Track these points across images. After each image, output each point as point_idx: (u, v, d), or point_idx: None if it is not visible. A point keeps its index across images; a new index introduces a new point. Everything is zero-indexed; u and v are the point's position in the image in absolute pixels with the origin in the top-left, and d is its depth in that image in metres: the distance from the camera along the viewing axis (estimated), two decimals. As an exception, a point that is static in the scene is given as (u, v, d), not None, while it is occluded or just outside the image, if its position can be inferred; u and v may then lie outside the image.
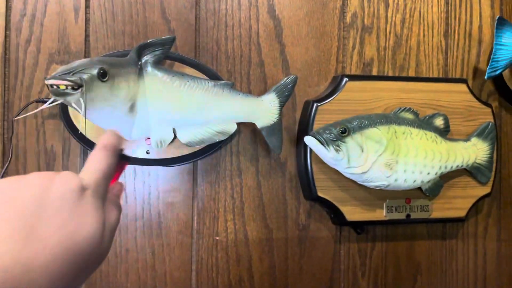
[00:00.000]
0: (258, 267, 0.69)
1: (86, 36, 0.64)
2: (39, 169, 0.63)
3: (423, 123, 0.67)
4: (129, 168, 0.65)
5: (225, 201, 0.68)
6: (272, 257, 0.69)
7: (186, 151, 0.63)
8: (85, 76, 0.51)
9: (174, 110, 0.58)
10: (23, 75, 0.62)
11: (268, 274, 0.69)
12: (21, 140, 0.62)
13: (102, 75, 0.52)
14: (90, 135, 0.60)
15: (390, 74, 0.73)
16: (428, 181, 0.67)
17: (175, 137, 0.60)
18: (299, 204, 0.70)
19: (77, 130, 0.60)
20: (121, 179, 0.34)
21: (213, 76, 0.64)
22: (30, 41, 0.63)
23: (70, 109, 0.60)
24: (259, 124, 0.63)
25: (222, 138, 0.62)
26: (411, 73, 0.74)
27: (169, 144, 0.61)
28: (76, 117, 0.60)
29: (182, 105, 0.59)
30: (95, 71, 0.51)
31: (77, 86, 0.50)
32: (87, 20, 0.64)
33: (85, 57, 0.64)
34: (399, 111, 0.67)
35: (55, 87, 0.50)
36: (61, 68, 0.52)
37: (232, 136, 0.63)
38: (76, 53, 0.64)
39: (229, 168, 0.68)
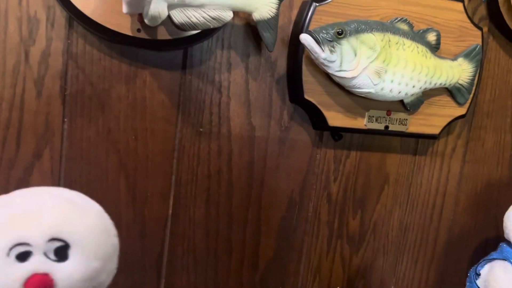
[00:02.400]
0: (237, 161, 0.71)
1: None
2: (21, 36, 0.59)
3: (417, 36, 0.68)
4: (116, 47, 0.63)
5: (212, 94, 0.68)
6: (251, 153, 0.71)
7: (177, 35, 0.61)
8: None
9: (172, -13, 0.55)
10: None
11: (246, 169, 0.71)
12: (2, 2, 0.58)
13: None
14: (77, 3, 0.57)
15: (391, -16, 0.72)
16: (412, 95, 0.69)
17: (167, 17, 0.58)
18: (283, 106, 0.71)
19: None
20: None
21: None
22: None
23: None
24: (255, 16, 0.62)
25: (217, 25, 0.60)
26: (411, -14, 0.73)
27: (159, 25, 0.59)
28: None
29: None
30: None
31: None
32: None
33: None
34: (396, 20, 0.67)
35: None
36: None
37: (225, 25, 0.61)
38: None
39: (219, 61, 0.67)
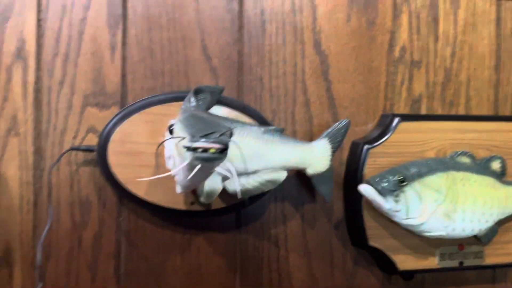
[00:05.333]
0: (303, 319, 0.65)
1: (123, 75, 0.59)
2: (73, 221, 0.58)
3: (480, 167, 0.63)
4: (169, 219, 0.60)
5: (270, 250, 0.64)
6: (318, 308, 0.65)
7: (232, 202, 0.59)
8: (226, 138, 0.42)
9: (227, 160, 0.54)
10: (56, 119, 0.57)
11: (314, 326, 0.65)
12: (54, 189, 0.57)
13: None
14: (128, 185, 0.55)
15: (439, 110, 0.69)
16: (486, 229, 0.63)
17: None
18: (346, 251, 0.66)
19: (112, 178, 0.55)
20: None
21: (259, 119, 0.60)
22: (63, 83, 0.58)
23: (109, 156, 0.55)
24: (309, 171, 0.59)
25: (271, 187, 0.57)
26: (461, 110, 0.70)
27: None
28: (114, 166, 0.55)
29: (235, 155, 0.54)
30: (227, 131, 0.43)
31: (224, 148, 0.42)
32: (124, 59, 0.59)
33: (121, 99, 0.59)
34: (456, 155, 0.63)
35: (199, 150, 0.41)
36: (186, 128, 0.44)
37: (281, 184, 0.58)
38: (113, 95, 0.59)
39: (273, 215, 0.64)
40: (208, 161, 0.41)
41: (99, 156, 0.55)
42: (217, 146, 0.41)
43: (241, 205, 0.60)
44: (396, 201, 0.57)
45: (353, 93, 0.66)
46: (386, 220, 0.63)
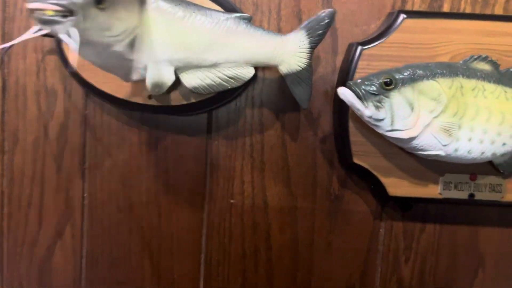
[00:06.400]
0: (277, 238, 0.59)
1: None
2: (39, 109, 0.57)
3: (504, 77, 0.50)
4: (135, 115, 0.57)
5: (243, 160, 0.58)
6: (295, 228, 0.59)
7: (194, 98, 0.54)
8: (78, 0, 0.41)
9: (176, 47, 0.48)
10: (22, 3, 0.56)
11: (289, 248, 0.59)
12: (21, 76, 0.57)
13: (99, 0, 0.43)
14: (85, 75, 0.52)
15: (468, 11, 0.56)
16: (504, 154, 0.51)
17: (178, 81, 0.50)
18: (332, 170, 0.58)
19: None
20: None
21: (230, 8, 0.53)
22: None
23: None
24: (282, 69, 0.51)
25: (236, 84, 0.51)
26: (498, 11, 0.56)
27: (174, 89, 0.52)
28: (68, 52, 0.52)
29: (185, 42, 0.48)
30: None
31: (68, 12, 0.40)
32: None
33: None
34: (471, 60, 0.50)
35: (39, 12, 0.42)
36: None
37: (247, 83, 0.51)
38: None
39: (249, 122, 0.58)
40: (44, 23, 0.38)
41: (57, 42, 0.53)
42: (52, 7, 0.37)
43: (212, 105, 0.55)
44: (378, 108, 0.48)
45: (355, -14, 0.56)
46: (377, 136, 0.53)
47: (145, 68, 0.49)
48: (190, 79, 0.50)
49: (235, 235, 0.59)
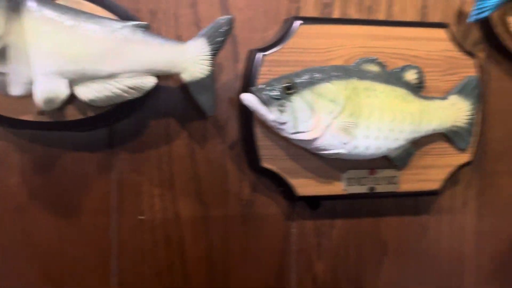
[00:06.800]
0: (192, 250, 0.58)
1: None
2: None
3: (391, 77, 0.55)
4: (25, 135, 0.52)
5: (151, 173, 0.56)
6: (209, 238, 0.58)
7: (93, 112, 0.50)
8: None
9: (66, 59, 0.45)
10: None
11: (205, 258, 0.58)
12: None
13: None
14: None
15: (355, 16, 0.60)
16: (397, 148, 0.55)
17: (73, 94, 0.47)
18: (242, 176, 0.59)
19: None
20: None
21: (126, 16, 0.51)
22: None
23: None
24: (185, 77, 0.50)
25: (137, 95, 0.49)
26: (381, 17, 0.61)
27: (69, 103, 0.48)
28: None
29: (76, 52, 0.45)
30: None
31: None
32: None
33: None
34: (361, 62, 0.54)
35: None
36: None
37: (150, 93, 0.49)
38: None
39: (155, 133, 0.56)
40: None
41: None
42: None
43: (113, 118, 0.52)
44: (281, 112, 0.49)
45: (251, -7, 0.57)
46: (283, 140, 0.54)
47: (31, 82, 0.45)
48: (86, 92, 0.47)
49: (147, 252, 0.57)
